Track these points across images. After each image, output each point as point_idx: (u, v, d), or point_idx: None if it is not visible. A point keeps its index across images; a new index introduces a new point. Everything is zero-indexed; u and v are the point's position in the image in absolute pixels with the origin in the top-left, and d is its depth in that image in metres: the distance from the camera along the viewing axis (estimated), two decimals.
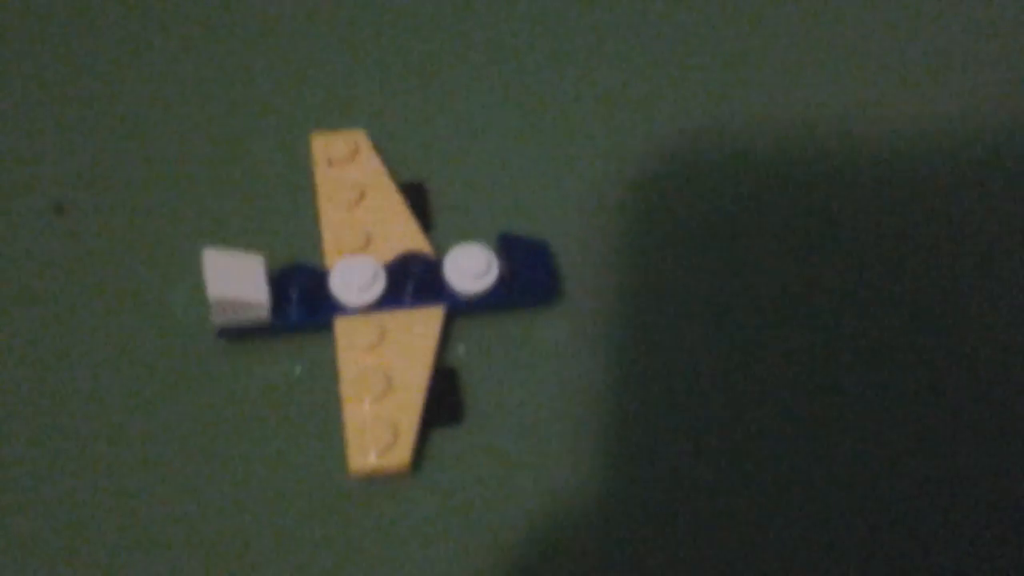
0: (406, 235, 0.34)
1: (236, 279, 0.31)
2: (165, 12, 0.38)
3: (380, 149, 0.36)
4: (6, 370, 0.32)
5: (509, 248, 0.34)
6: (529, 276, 0.34)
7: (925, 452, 0.33)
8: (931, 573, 0.32)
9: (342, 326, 0.32)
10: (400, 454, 0.31)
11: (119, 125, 0.36)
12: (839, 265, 0.36)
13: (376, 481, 0.32)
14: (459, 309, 0.33)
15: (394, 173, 0.35)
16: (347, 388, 0.32)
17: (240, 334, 0.33)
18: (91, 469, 0.31)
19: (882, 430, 0.33)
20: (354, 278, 0.32)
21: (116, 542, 0.31)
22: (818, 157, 0.37)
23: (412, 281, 0.32)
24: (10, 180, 0.34)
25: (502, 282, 0.33)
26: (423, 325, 0.33)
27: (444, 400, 0.32)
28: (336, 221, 0.34)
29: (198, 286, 0.33)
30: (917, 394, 0.34)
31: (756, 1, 0.40)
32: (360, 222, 0.34)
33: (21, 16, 0.37)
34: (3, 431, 0.31)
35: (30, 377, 0.32)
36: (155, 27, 0.38)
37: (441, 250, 0.34)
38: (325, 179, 0.35)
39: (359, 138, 0.35)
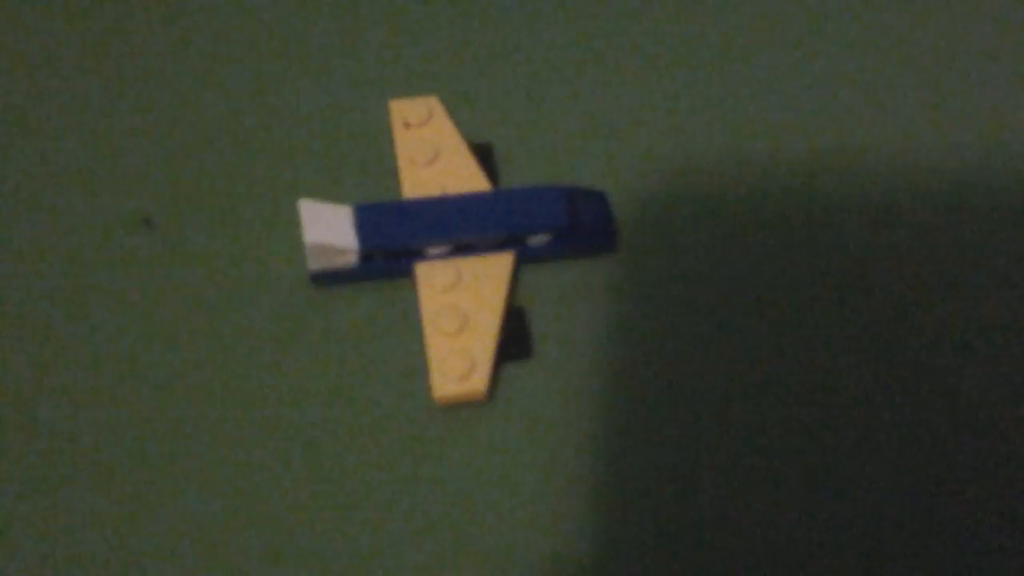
0: (477, 190, 0.37)
1: (329, 227, 0.35)
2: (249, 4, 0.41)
3: (451, 113, 0.39)
4: (136, 327, 0.36)
5: (571, 200, 0.37)
6: (590, 226, 0.37)
7: (942, 480, 0.35)
8: None
9: (422, 270, 0.36)
10: (477, 382, 0.34)
11: (218, 94, 0.40)
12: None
13: (455, 409, 0.35)
14: (528, 256, 0.37)
15: (465, 135, 0.39)
16: (428, 325, 0.35)
17: (331, 279, 0.36)
18: (208, 403, 0.35)
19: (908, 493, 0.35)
20: None
21: (224, 470, 0.34)
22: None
23: None
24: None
25: (566, 233, 0.37)
26: (495, 269, 0.36)
27: (515, 337, 0.36)
28: (414, 178, 0.37)
29: (295, 241, 0.36)
30: (935, 416, 0.36)
31: None
32: (436, 179, 0.37)
33: (104, 33, 0.40)
34: (139, 392, 0.35)
35: (145, 336, 0.36)
36: (245, 16, 0.41)
37: None
38: (403, 141, 0.38)
39: (432, 103, 0.39)
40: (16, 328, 0.36)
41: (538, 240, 0.36)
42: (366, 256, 0.36)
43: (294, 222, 0.37)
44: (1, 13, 0.40)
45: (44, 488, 0.34)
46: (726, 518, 0.34)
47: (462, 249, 0.36)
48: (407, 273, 0.36)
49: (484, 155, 0.38)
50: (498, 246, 0.36)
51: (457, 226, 0.36)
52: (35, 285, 0.36)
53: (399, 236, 0.35)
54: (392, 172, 0.38)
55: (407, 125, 0.38)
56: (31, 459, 0.34)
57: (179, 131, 0.39)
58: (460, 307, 0.35)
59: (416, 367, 0.36)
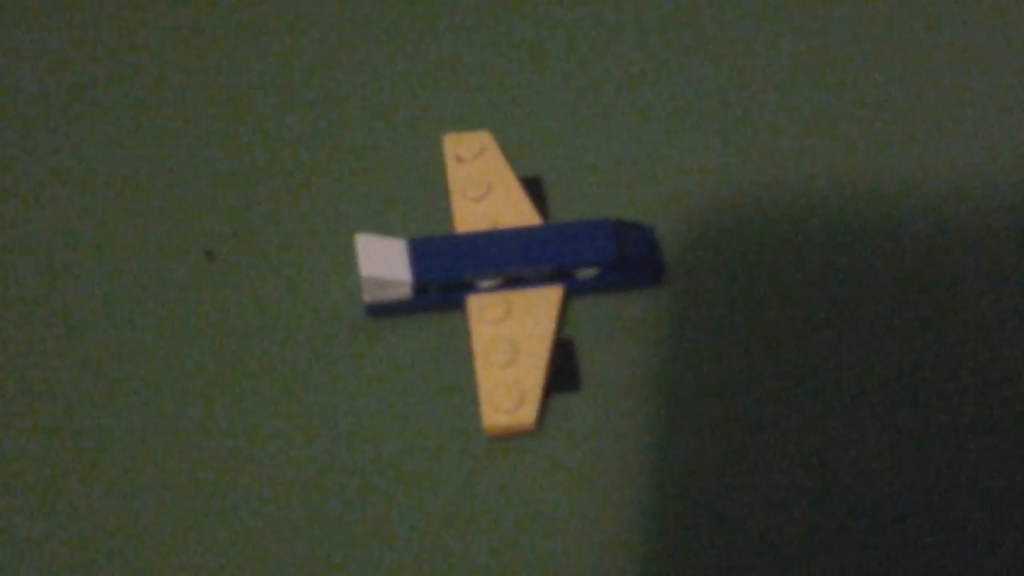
0: (528, 223, 0.38)
1: (384, 260, 0.36)
2: (305, 37, 0.42)
3: (503, 147, 0.40)
4: (195, 347, 0.37)
5: (619, 233, 0.38)
6: (637, 259, 0.38)
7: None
8: None
9: (474, 302, 0.37)
10: (527, 413, 0.35)
11: (269, 133, 0.41)
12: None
13: (504, 439, 0.36)
14: (576, 289, 0.38)
15: (515, 169, 0.40)
16: (479, 356, 0.36)
17: (385, 311, 0.37)
18: (264, 431, 0.36)
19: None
20: None
21: (277, 498, 0.35)
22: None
23: None
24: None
25: (614, 266, 0.37)
26: (544, 302, 0.37)
27: (563, 369, 0.37)
28: (466, 212, 0.38)
29: (350, 273, 0.37)
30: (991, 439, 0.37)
31: None
32: (487, 212, 0.38)
33: (171, 66, 0.41)
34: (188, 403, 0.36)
35: (207, 357, 0.37)
36: (298, 55, 0.42)
37: None
38: (455, 175, 0.39)
39: (485, 138, 0.40)
40: (79, 356, 0.37)
41: (586, 273, 0.37)
42: (420, 289, 0.37)
43: (350, 255, 0.38)
44: (68, 43, 0.42)
45: (108, 512, 0.35)
46: (774, 552, 0.35)
47: (512, 282, 0.37)
48: (459, 305, 0.37)
49: (534, 188, 0.39)
50: (547, 279, 0.37)
51: (508, 259, 0.37)
52: (99, 315, 0.37)
53: (452, 269, 0.36)
54: (444, 205, 0.39)
55: (459, 159, 0.39)
56: (95, 487, 0.35)
57: (241, 166, 0.40)
58: (510, 339, 0.36)
59: (466, 397, 0.37)
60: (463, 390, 0.37)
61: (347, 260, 0.38)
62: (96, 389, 0.36)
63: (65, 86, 0.41)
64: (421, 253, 0.36)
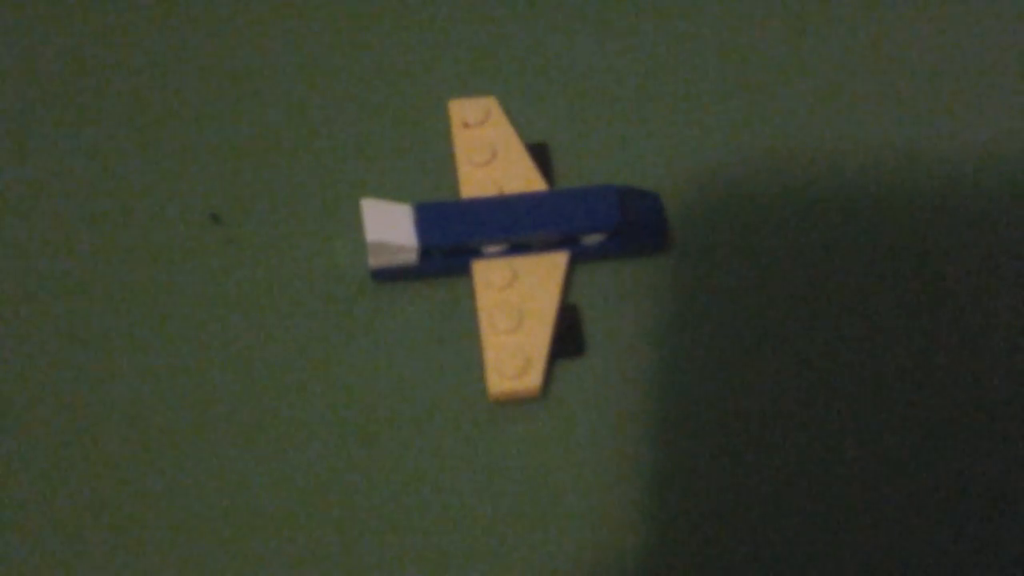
0: (533, 189, 0.38)
1: (389, 225, 0.36)
2: (312, 3, 0.42)
3: (509, 114, 0.40)
4: (203, 316, 0.37)
5: (624, 200, 0.38)
6: (642, 226, 0.38)
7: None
8: None
9: (480, 268, 0.37)
10: (532, 378, 0.35)
11: (277, 98, 0.41)
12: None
13: (509, 405, 0.36)
14: (581, 255, 0.38)
15: (521, 135, 0.40)
16: (485, 321, 0.36)
17: (391, 276, 0.37)
18: (269, 394, 0.36)
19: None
20: None
21: (282, 461, 0.35)
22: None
23: None
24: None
25: (619, 232, 0.38)
26: (550, 268, 0.37)
27: (568, 334, 0.37)
28: (472, 177, 0.38)
29: (356, 238, 0.37)
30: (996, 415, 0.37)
31: None
32: (493, 178, 0.38)
33: (171, 33, 0.41)
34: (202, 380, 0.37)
35: (220, 330, 0.37)
36: (304, 21, 0.42)
37: None
38: (461, 140, 0.39)
39: (491, 104, 0.40)
40: (84, 323, 0.37)
41: (592, 239, 0.37)
42: (425, 253, 0.37)
43: (356, 219, 0.38)
44: (69, 14, 0.42)
45: (117, 475, 0.35)
46: (777, 516, 0.35)
47: (518, 248, 0.37)
48: (465, 271, 0.37)
49: (540, 155, 0.39)
50: (553, 245, 0.37)
51: (513, 225, 0.37)
52: (104, 279, 0.38)
53: (457, 234, 0.36)
54: (450, 171, 0.39)
55: (466, 125, 0.39)
56: (100, 451, 0.35)
57: (245, 131, 0.40)
58: (515, 305, 0.36)
59: (472, 363, 0.37)
60: (469, 355, 0.37)
61: (354, 225, 0.38)
62: (102, 354, 0.37)
63: (70, 53, 0.41)
64: (427, 218, 0.36)
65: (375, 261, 0.37)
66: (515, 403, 0.36)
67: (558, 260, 0.37)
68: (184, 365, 0.36)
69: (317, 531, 0.35)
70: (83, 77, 0.41)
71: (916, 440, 0.36)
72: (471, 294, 0.37)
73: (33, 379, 0.36)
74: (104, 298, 0.37)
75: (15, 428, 0.35)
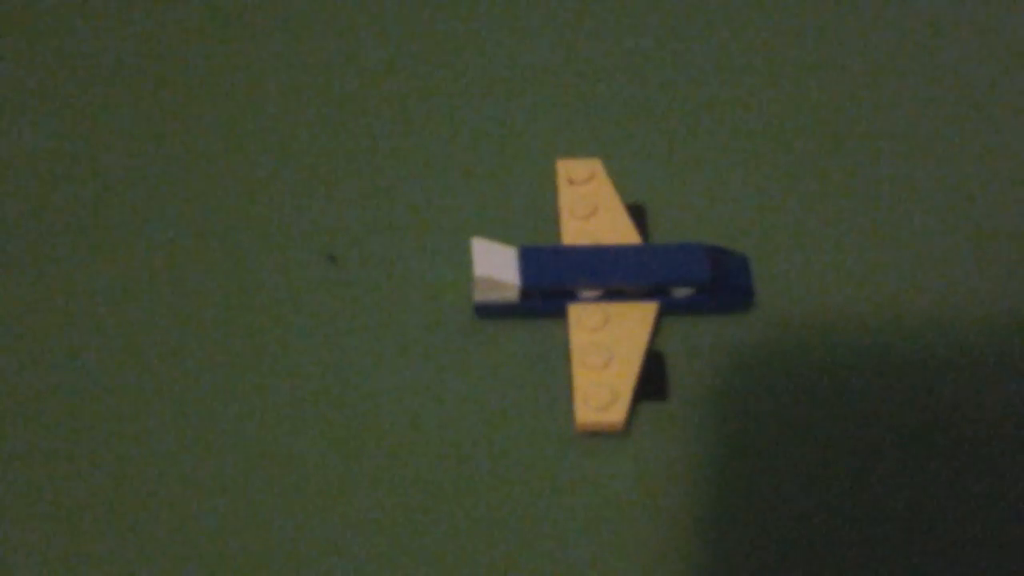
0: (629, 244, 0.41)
1: (496, 264, 0.39)
2: (424, 65, 0.46)
3: (612, 176, 0.43)
4: (310, 343, 0.41)
5: (714, 258, 0.40)
6: (731, 285, 0.40)
7: None
8: None
9: (575, 310, 0.40)
10: (617, 412, 0.38)
11: (395, 140, 0.44)
12: None
13: (593, 439, 0.39)
14: (670, 307, 0.40)
15: (621, 195, 0.43)
16: (577, 358, 0.39)
17: (493, 313, 0.40)
18: (373, 422, 0.39)
19: None
20: None
21: (381, 487, 0.38)
22: None
23: None
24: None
25: (707, 289, 0.40)
26: (640, 315, 0.40)
27: (653, 378, 0.39)
28: (573, 228, 0.42)
29: (463, 278, 0.41)
30: None
31: None
32: (592, 231, 0.41)
33: (296, 74, 0.46)
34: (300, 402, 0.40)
35: (328, 356, 0.40)
36: (418, 77, 0.46)
37: None
38: (566, 195, 0.42)
39: (595, 165, 0.43)
40: (202, 357, 0.40)
41: (681, 293, 0.40)
42: (526, 293, 0.40)
43: (464, 261, 0.41)
44: (198, 52, 0.46)
45: (246, 511, 0.38)
46: None
47: (612, 295, 0.40)
48: (560, 313, 0.40)
49: (637, 215, 0.42)
50: (644, 295, 0.40)
51: (609, 273, 0.40)
52: (226, 313, 0.41)
53: (557, 277, 0.39)
54: (553, 222, 0.42)
55: (571, 182, 0.42)
56: (230, 490, 0.38)
57: (365, 175, 0.43)
58: (606, 345, 0.39)
59: (560, 398, 0.39)
60: (558, 391, 0.39)
61: (460, 266, 0.41)
62: (217, 386, 0.39)
63: (188, 82, 0.45)
64: (530, 260, 0.40)
65: (480, 297, 0.40)
66: (599, 437, 0.39)
67: (648, 309, 0.40)
68: (290, 399, 0.39)
69: (405, 558, 0.37)
70: (200, 108, 0.45)
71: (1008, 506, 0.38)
72: (565, 335, 0.40)
73: (139, 408, 0.39)
74: (217, 334, 0.40)
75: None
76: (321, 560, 0.37)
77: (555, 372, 0.40)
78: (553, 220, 0.43)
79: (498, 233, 0.42)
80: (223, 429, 0.39)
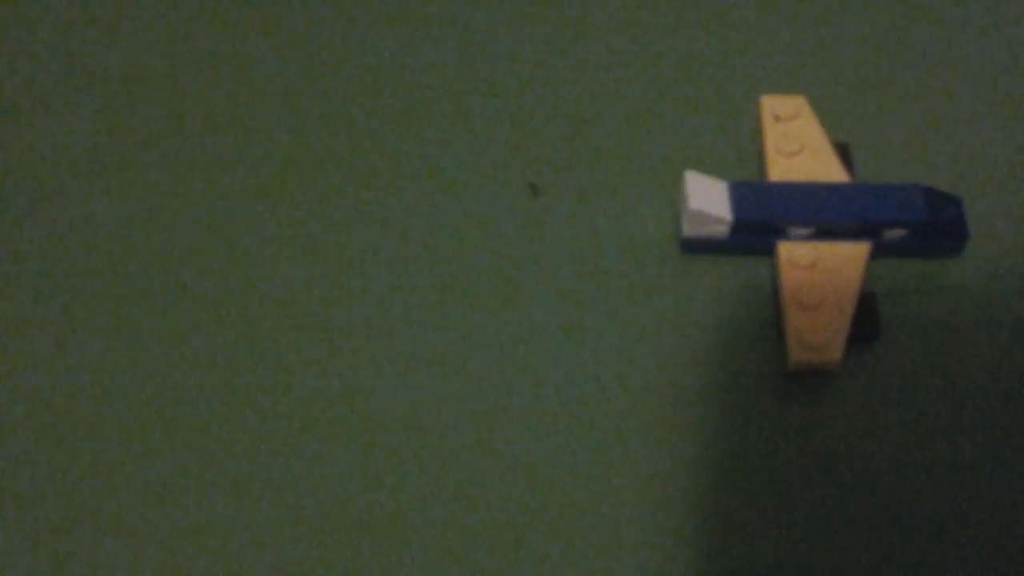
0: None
1: (708, 197, 0.38)
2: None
3: (816, 113, 0.42)
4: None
5: (929, 199, 0.39)
6: (946, 228, 0.39)
7: None
8: None
9: (785, 248, 0.39)
10: (834, 351, 0.37)
11: (600, 77, 0.44)
12: None
13: (798, 379, 0.38)
14: (880, 248, 0.39)
15: (827, 134, 0.42)
16: (788, 297, 0.38)
17: (699, 248, 0.39)
18: (570, 355, 0.39)
19: None
20: None
21: (581, 423, 0.38)
22: None
23: None
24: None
25: (920, 230, 0.39)
26: (851, 255, 0.39)
27: (865, 319, 0.38)
28: (779, 165, 0.41)
29: (665, 211, 0.40)
30: None
31: None
32: (799, 168, 0.40)
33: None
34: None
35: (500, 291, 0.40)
36: (627, 10, 0.45)
37: None
38: (771, 132, 0.41)
39: (800, 103, 0.42)
40: (405, 283, 0.40)
41: (893, 234, 0.39)
42: (736, 228, 0.39)
43: (666, 194, 0.40)
44: None
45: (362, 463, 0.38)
46: None
47: (822, 234, 0.39)
48: (768, 251, 0.39)
49: (843, 154, 0.41)
50: (855, 235, 0.39)
51: (822, 210, 0.39)
52: (427, 244, 0.41)
53: (769, 212, 0.39)
54: (752, 159, 0.41)
55: (776, 119, 0.41)
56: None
57: (565, 112, 0.43)
58: (818, 284, 0.38)
59: (763, 337, 0.39)
60: (762, 329, 0.39)
61: (664, 198, 0.40)
62: (420, 317, 0.39)
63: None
64: (741, 195, 0.39)
65: (689, 230, 0.39)
66: (804, 377, 0.38)
67: (859, 249, 0.39)
68: (496, 329, 0.39)
69: (618, 494, 0.37)
70: (419, 51, 0.44)
71: None
72: (768, 274, 0.39)
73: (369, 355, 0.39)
74: (419, 266, 0.40)
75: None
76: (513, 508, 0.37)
77: (759, 309, 0.39)
78: (753, 157, 0.42)
79: (701, 167, 0.41)
80: (426, 358, 0.39)
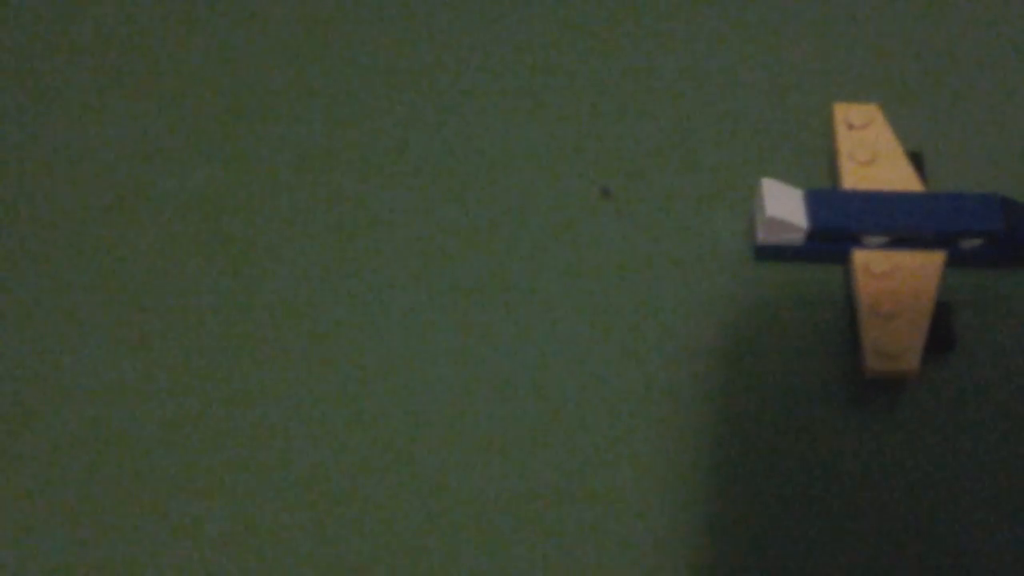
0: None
1: (784, 204, 0.38)
2: (708, 6, 0.46)
3: (889, 121, 0.42)
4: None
5: (1006, 211, 0.39)
6: (1020, 237, 0.39)
7: None
8: None
9: (860, 256, 0.39)
10: (910, 360, 0.37)
11: (676, 89, 0.44)
12: None
13: (871, 389, 0.38)
14: (956, 258, 0.39)
15: (900, 142, 0.41)
16: (865, 305, 0.38)
17: (773, 255, 0.39)
18: (640, 359, 0.39)
19: None
20: None
21: (645, 421, 0.38)
22: None
23: None
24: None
25: (996, 240, 0.39)
26: (927, 264, 0.39)
27: (941, 329, 0.38)
28: (853, 173, 0.40)
29: (738, 218, 0.40)
30: None
31: None
32: (873, 176, 0.40)
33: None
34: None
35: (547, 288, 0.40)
36: (702, 17, 0.45)
37: None
38: (845, 139, 0.41)
39: (874, 111, 0.42)
40: (466, 288, 0.40)
41: (969, 244, 0.39)
42: (811, 236, 0.39)
43: (739, 201, 0.40)
44: None
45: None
46: None
47: (897, 243, 0.39)
48: (842, 259, 0.39)
49: (916, 163, 0.41)
50: (930, 244, 0.39)
51: (898, 219, 0.38)
52: (495, 248, 0.41)
53: (845, 221, 0.38)
54: (826, 167, 0.41)
55: (850, 126, 0.41)
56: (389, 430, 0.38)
57: (638, 116, 0.43)
58: (893, 293, 0.38)
59: (836, 345, 0.38)
60: (835, 337, 0.39)
61: (737, 205, 0.40)
62: (490, 320, 0.39)
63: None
64: (818, 203, 0.39)
65: (764, 238, 0.39)
66: (877, 386, 0.38)
67: (935, 259, 0.39)
68: (566, 331, 0.39)
69: (684, 493, 0.37)
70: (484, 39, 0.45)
71: None
72: (841, 282, 0.39)
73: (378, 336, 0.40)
74: (494, 265, 0.40)
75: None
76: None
77: (832, 317, 0.39)
78: (824, 165, 0.41)
79: (773, 174, 0.41)
80: (492, 362, 0.39)
